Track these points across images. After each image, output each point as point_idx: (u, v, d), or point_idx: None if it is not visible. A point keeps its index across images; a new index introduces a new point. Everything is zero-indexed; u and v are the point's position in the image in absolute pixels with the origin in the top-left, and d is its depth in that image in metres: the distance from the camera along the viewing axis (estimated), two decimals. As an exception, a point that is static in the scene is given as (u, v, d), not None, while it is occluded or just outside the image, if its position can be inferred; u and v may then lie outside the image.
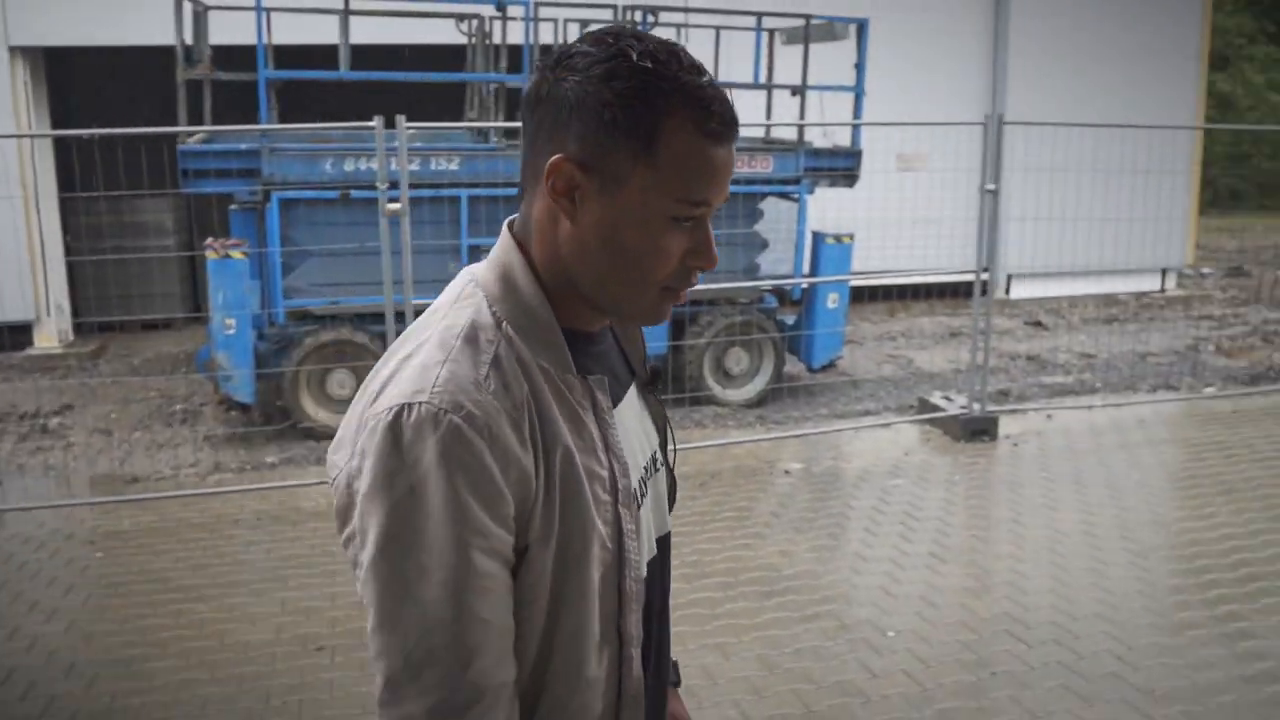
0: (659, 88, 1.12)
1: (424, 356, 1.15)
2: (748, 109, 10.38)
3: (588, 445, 1.20)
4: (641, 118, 1.12)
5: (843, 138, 8.74)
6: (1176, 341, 10.54)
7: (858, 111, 8.33)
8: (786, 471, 6.32)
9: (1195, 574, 4.80)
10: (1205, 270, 15.79)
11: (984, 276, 6.99)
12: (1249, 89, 25.73)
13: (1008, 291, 13.10)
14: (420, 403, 1.09)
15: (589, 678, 1.21)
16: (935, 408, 7.24)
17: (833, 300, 8.08)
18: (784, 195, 8.20)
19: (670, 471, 1.44)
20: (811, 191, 8.26)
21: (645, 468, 1.33)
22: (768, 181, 8.09)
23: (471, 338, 1.16)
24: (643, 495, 1.30)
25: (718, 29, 9.20)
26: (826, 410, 7.85)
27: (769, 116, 8.74)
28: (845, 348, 8.82)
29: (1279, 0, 27.72)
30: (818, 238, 8.21)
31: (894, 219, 8.70)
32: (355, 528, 1.13)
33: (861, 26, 8.38)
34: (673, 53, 1.14)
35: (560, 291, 1.22)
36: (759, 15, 8.55)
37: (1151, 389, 8.45)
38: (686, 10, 9.70)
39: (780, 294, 8.50)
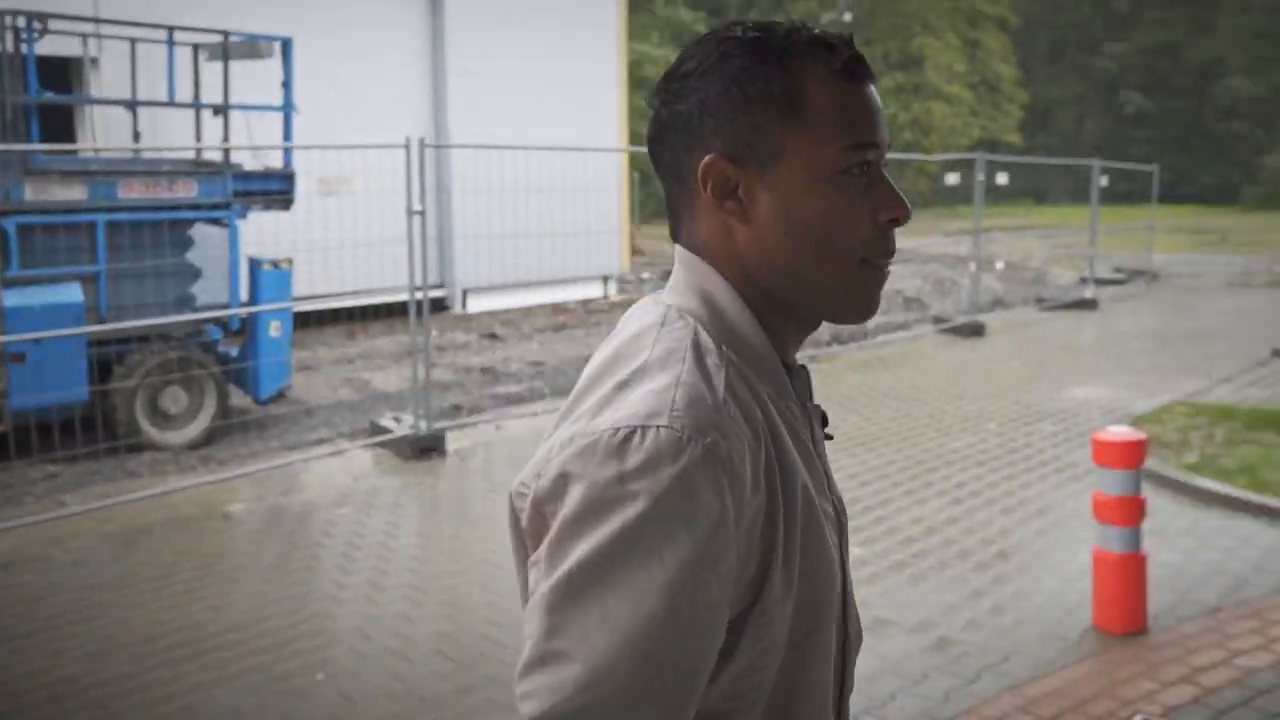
0: (778, 47, 1.05)
1: (651, 382, 0.98)
2: (170, 131, 9.72)
3: (819, 482, 1.08)
4: (772, 80, 1.04)
5: (276, 159, 8.45)
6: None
7: (288, 133, 8.10)
8: (226, 516, 5.96)
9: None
10: (645, 275, 17.47)
11: (419, 295, 7.09)
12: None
13: (464, 306, 13.54)
14: (659, 426, 0.93)
15: None
16: (385, 430, 7.23)
17: (275, 328, 7.77)
18: (214, 221, 7.76)
19: None
20: (244, 216, 7.90)
21: None
22: (195, 206, 7.61)
23: (700, 360, 1.01)
24: None
25: (133, 42, 8.49)
26: (278, 443, 7.54)
27: (198, 137, 8.23)
28: (297, 375, 8.56)
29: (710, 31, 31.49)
30: (255, 264, 7.85)
31: (336, 241, 8.60)
32: (543, 553, 0.96)
33: (286, 45, 8.16)
34: (772, 22, 1.09)
35: (759, 314, 1.09)
36: (170, 29, 8.01)
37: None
38: (98, 21, 8.87)
39: (224, 325, 8.04)
